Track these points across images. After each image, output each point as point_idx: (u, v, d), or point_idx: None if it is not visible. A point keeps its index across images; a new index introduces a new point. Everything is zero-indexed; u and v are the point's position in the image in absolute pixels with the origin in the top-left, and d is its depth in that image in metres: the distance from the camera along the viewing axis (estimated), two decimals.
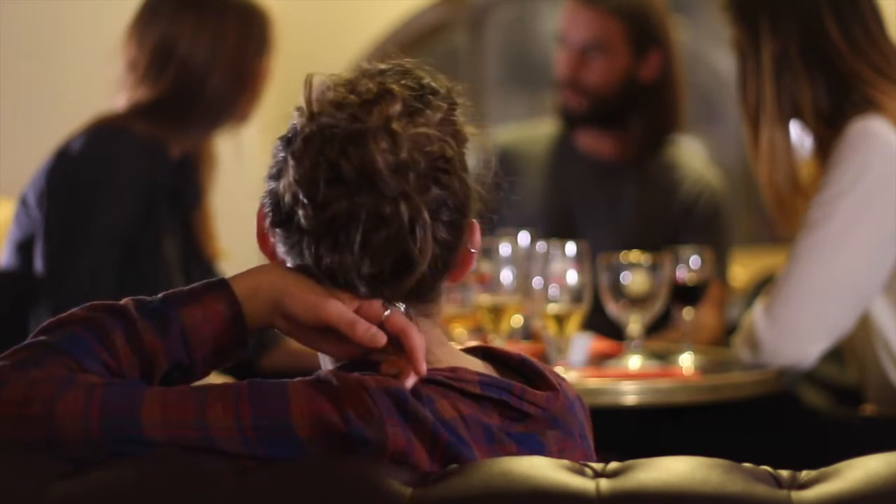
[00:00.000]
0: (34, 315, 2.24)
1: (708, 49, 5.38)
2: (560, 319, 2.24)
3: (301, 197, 1.14)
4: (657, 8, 3.01)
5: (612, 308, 2.34)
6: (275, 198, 1.18)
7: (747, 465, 1.07)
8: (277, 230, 1.19)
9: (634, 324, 2.33)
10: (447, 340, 1.23)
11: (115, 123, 2.32)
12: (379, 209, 1.13)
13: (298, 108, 1.18)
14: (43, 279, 2.24)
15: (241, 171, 3.85)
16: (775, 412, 2.39)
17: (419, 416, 1.11)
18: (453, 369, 1.16)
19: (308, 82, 1.19)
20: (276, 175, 1.18)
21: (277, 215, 1.18)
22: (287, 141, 1.18)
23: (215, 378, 2.53)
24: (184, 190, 2.41)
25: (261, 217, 1.21)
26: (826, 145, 2.32)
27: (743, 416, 2.38)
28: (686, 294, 2.41)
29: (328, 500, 1.05)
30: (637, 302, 2.31)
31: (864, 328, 2.35)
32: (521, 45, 5.02)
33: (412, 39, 4.53)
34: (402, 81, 1.18)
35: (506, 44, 5.16)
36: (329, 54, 4.11)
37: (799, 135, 2.38)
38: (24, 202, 2.33)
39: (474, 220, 1.21)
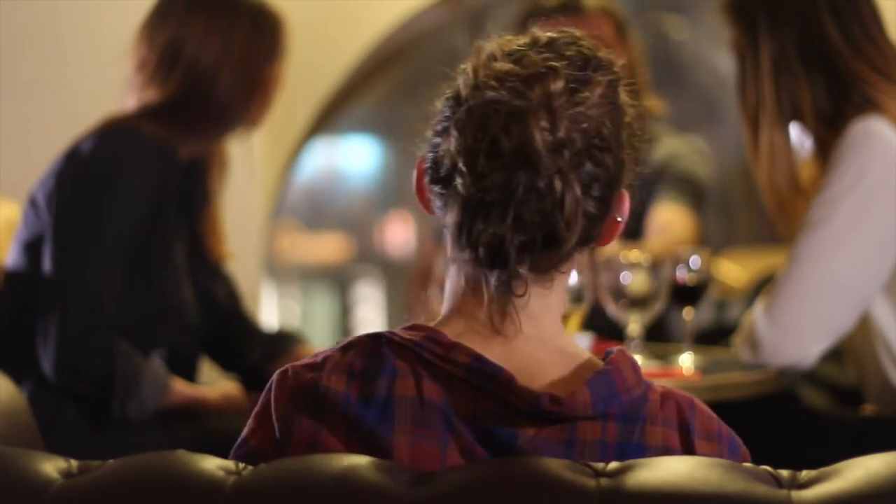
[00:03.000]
0: (42, 316, 2.23)
1: (708, 49, 5.38)
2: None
3: (461, 165, 1.19)
4: None
5: (612, 308, 2.34)
6: (435, 155, 1.23)
7: (747, 465, 1.07)
8: (435, 187, 1.23)
9: (634, 324, 2.33)
10: (558, 310, 1.24)
11: (125, 125, 2.32)
12: (534, 184, 1.17)
13: (464, 71, 1.22)
14: (51, 280, 2.23)
15: (251, 175, 3.85)
16: (775, 412, 2.39)
17: (329, 404, 1.17)
18: (451, 346, 1.18)
19: (477, 50, 1.23)
20: (440, 133, 1.23)
21: (437, 173, 1.22)
22: (452, 103, 1.22)
23: (225, 384, 2.53)
24: (191, 192, 2.41)
25: (420, 169, 1.25)
26: (826, 146, 2.32)
27: (743, 416, 2.38)
28: (686, 294, 2.41)
29: (323, 499, 1.05)
30: (637, 302, 2.32)
31: (864, 328, 2.35)
32: None
33: (412, 39, 4.52)
34: (568, 53, 1.22)
35: None
36: (329, 54, 4.11)
37: (799, 136, 2.38)
38: (32, 202, 2.32)
39: (624, 191, 1.25)
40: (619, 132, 1.23)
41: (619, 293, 2.32)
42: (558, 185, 1.17)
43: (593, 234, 1.23)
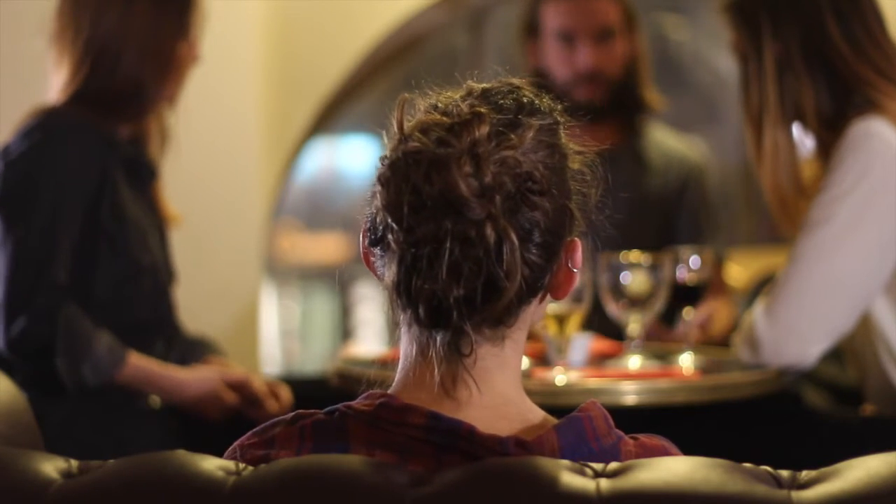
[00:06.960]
0: None
1: (708, 49, 5.38)
2: (560, 319, 2.24)
3: (389, 221, 1.15)
4: None
5: (612, 308, 2.34)
6: (371, 218, 1.20)
7: (747, 465, 1.07)
8: (375, 250, 1.20)
9: (634, 324, 2.33)
10: (515, 369, 1.20)
11: (50, 111, 2.34)
12: (464, 232, 1.12)
13: (390, 129, 1.19)
14: None
15: (251, 175, 3.84)
16: (775, 412, 2.39)
17: None
18: (403, 409, 1.14)
19: (400, 103, 1.20)
20: (373, 193, 1.19)
21: (373, 235, 1.19)
22: (381, 162, 1.19)
23: (205, 369, 2.46)
24: (138, 164, 2.41)
25: (364, 235, 1.22)
26: (827, 147, 2.32)
27: (743, 416, 2.38)
28: (686, 294, 2.41)
29: (323, 499, 1.05)
30: (637, 302, 2.32)
31: (865, 328, 2.35)
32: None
33: (412, 39, 4.52)
34: (502, 102, 1.19)
35: (506, 44, 5.16)
36: (328, 54, 4.10)
37: (799, 136, 2.38)
38: None
39: (576, 239, 1.20)
40: (561, 177, 1.19)
41: (619, 293, 2.32)
42: (490, 231, 1.12)
43: (540, 284, 1.18)
